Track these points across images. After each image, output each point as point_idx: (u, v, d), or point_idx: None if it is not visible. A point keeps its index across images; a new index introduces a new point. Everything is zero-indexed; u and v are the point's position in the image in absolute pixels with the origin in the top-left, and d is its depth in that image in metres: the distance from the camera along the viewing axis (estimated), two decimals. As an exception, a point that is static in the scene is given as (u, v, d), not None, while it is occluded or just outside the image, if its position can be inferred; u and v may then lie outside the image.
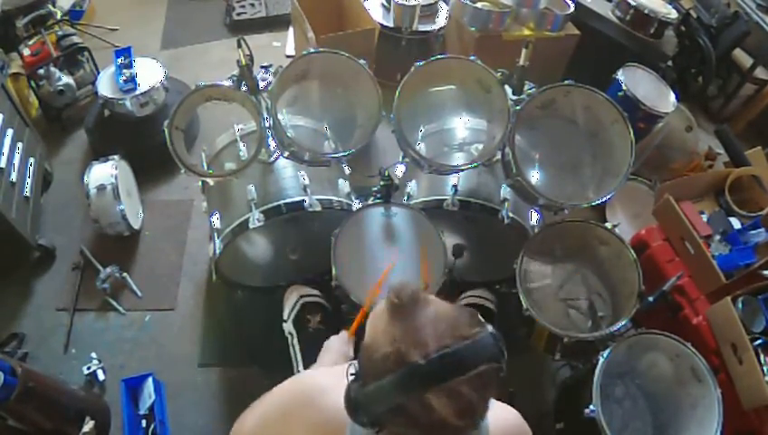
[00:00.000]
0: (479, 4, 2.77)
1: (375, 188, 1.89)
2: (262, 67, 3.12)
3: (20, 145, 2.25)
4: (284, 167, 1.89)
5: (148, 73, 2.56)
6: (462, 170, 1.79)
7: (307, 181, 1.78)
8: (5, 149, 2.12)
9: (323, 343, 1.49)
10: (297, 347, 1.52)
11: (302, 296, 1.60)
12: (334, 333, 1.57)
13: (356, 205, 1.87)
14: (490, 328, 0.75)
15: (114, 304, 2.21)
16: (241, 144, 1.86)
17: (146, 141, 2.54)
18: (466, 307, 0.77)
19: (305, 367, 1.46)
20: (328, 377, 0.90)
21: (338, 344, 1.26)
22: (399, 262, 1.66)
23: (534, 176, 1.75)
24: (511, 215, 1.78)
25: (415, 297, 0.73)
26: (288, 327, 1.57)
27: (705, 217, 2.02)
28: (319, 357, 1.25)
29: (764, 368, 1.53)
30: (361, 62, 1.74)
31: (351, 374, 0.76)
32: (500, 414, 0.88)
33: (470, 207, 1.82)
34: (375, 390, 0.70)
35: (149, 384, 1.89)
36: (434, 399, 0.67)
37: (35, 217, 2.29)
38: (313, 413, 0.85)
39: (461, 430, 0.70)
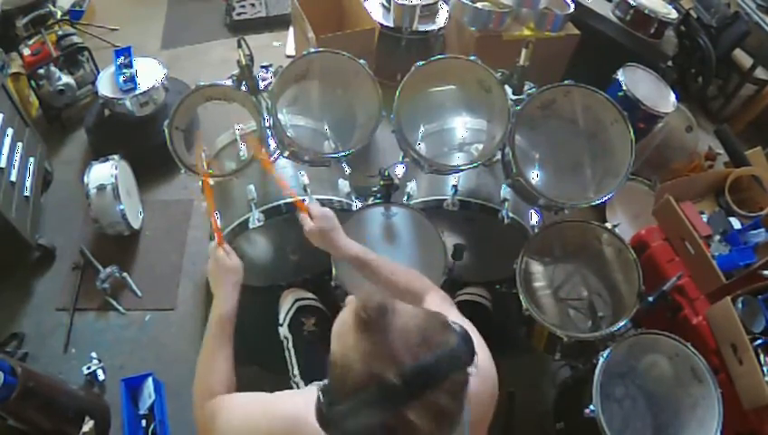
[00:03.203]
0: (479, 4, 2.77)
1: (375, 188, 1.89)
2: (262, 67, 3.11)
3: (20, 145, 2.25)
4: (284, 167, 1.89)
5: (148, 73, 2.56)
6: (462, 170, 1.78)
7: (307, 181, 1.78)
8: (5, 149, 2.12)
9: (318, 346, 1.49)
10: (292, 351, 1.52)
11: (296, 300, 1.60)
12: (329, 335, 1.55)
13: (356, 205, 1.87)
14: (458, 328, 0.74)
15: (114, 303, 2.21)
16: (241, 144, 1.86)
17: (146, 141, 2.54)
18: (434, 312, 0.76)
19: (300, 371, 1.47)
20: (309, 404, 0.85)
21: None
22: (400, 262, 1.66)
23: (534, 176, 1.75)
24: (511, 215, 1.77)
25: (382, 310, 0.71)
26: (283, 331, 1.57)
27: (705, 218, 2.02)
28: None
29: (764, 368, 1.52)
30: (361, 62, 1.74)
31: (321, 390, 0.74)
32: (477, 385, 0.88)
33: (470, 207, 1.82)
34: (348, 408, 0.69)
35: (149, 384, 1.90)
36: (411, 413, 0.66)
37: (35, 216, 2.29)
38: None
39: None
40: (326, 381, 0.75)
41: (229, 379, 1.13)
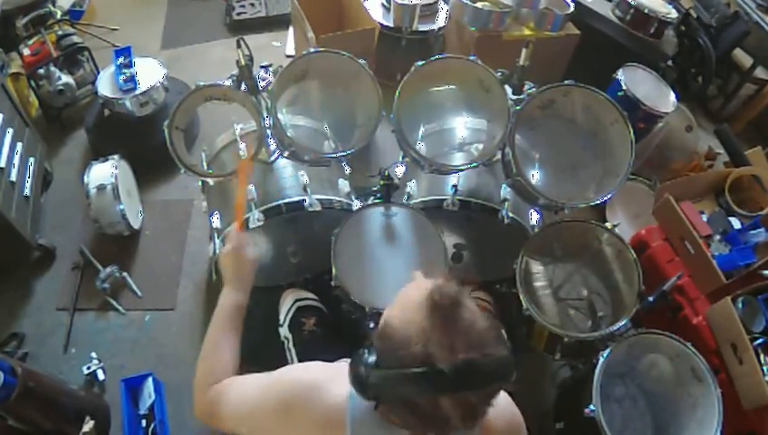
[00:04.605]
0: (479, 4, 2.77)
1: (375, 188, 1.89)
2: (262, 67, 3.11)
3: (20, 145, 2.25)
4: (284, 166, 1.89)
5: (148, 73, 2.56)
6: (462, 170, 1.78)
7: (307, 181, 1.78)
8: (5, 149, 2.11)
9: (319, 345, 1.49)
10: (293, 351, 1.53)
11: (296, 300, 1.61)
12: (329, 335, 1.57)
13: (356, 205, 1.87)
14: (509, 346, 0.76)
15: (114, 303, 2.21)
16: (241, 144, 1.86)
17: (146, 141, 2.54)
18: (495, 322, 0.77)
19: None
20: (324, 372, 0.91)
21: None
22: (399, 262, 1.66)
23: (534, 176, 1.75)
24: (511, 215, 1.78)
25: (456, 300, 0.74)
26: (284, 331, 1.57)
27: (705, 217, 2.02)
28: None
29: (764, 368, 1.53)
30: (361, 61, 1.74)
31: (366, 348, 0.77)
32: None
33: (470, 207, 1.82)
34: (392, 376, 0.72)
35: (149, 384, 1.90)
36: (445, 402, 0.70)
37: (35, 216, 2.29)
38: (315, 408, 0.86)
39: (460, 430, 0.73)
40: (373, 344, 0.77)
41: (234, 367, 1.11)
